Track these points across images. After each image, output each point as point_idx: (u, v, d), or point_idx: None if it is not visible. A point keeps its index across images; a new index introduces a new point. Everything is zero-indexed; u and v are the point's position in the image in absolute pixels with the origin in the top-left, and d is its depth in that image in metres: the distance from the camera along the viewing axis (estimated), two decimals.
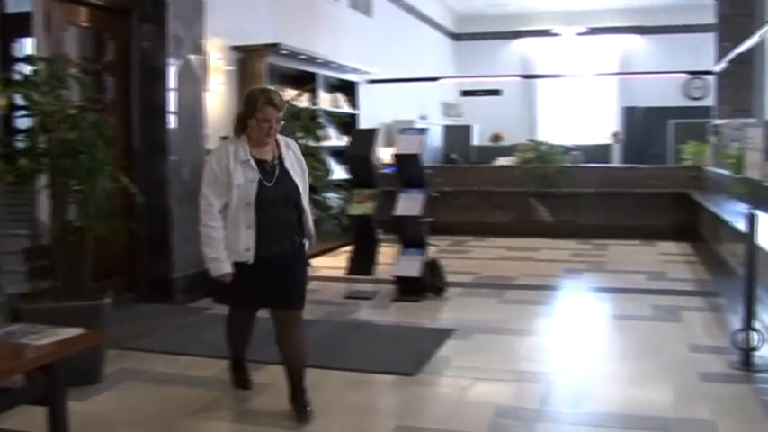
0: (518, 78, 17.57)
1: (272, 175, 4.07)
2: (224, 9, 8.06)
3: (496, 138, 17.29)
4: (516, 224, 11.70)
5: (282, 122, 4.11)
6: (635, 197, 11.32)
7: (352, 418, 4.32)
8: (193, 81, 7.32)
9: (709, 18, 12.36)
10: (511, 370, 5.08)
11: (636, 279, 8.31)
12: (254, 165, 4.03)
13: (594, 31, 17.72)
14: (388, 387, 4.89)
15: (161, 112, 7.00)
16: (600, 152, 15.10)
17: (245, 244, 4.02)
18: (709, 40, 12.40)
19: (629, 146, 16.65)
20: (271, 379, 4.71)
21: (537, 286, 7.94)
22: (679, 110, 15.90)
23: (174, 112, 7.04)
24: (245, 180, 4.00)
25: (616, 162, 15.62)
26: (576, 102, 18.11)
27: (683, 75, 16.27)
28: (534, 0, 17.06)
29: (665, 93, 16.81)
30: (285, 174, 4.11)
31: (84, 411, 4.21)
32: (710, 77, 13.38)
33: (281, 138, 4.20)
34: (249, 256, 4.03)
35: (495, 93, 16.57)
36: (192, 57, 7.28)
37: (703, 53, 13.19)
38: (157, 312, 6.69)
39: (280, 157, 4.13)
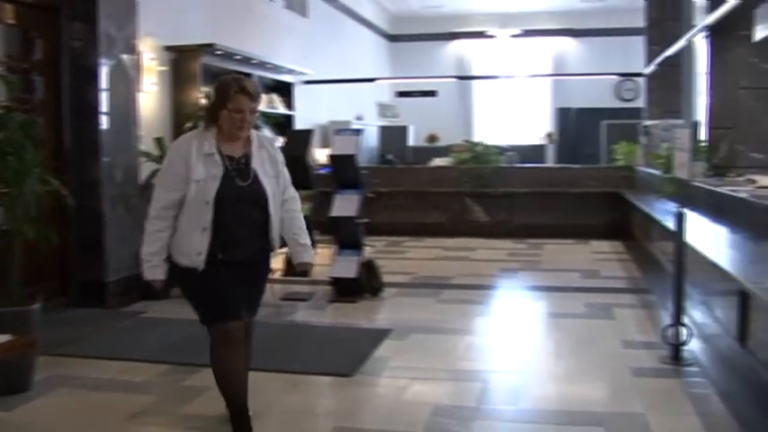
0: (454, 79, 17.70)
1: (240, 172, 3.73)
2: (157, 8, 7.93)
3: (432, 138, 17.39)
4: (452, 224, 11.78)
5: (257, 114, 3.83)
6: (569, 197, 11.49)
7: (290, 420, 4.29)
8: (126, 81, 7.20)
9: (640, 22, 12.63)
10: (448, 369, 5.10)
11: (570, 277, 8.44)
12: (220, 159, 3.69)
13: (528, 33, 17.96)
14: (325, 388, 4.88)
15: (93, 112, 6.86)
16: (534, 152, 15.33)
17: (198, 248, 3.65)
18: (639, 43, 12.68)
19: (563, 146, 16.92)
20: (206, 382, 4.65)
21: (473, 286, 8.01)
22: (611, 111, 16.23)
23: (106, 113, 6.91)
24: (206, 175, 3.64)
25: (550, 162, 15.89)
26: (511, 103, 18.33)
27: (615, 76, 16.58)
28: (469, 2, 17.22)
29: (597, 94, 17.13)
30: (253, 173, 3.76)
31: (13, 421, 4.11)
32: (641, 79, 13.67)
33: (255, 135, 3.88)
34: (200, 262, 3.66)
35: (430, 94, 16.65)
36: (125, 56, 7.16)
37: (634, 56, 13.49)
38: (90, 317, 6.56)
39: (249, 155, 3.80)
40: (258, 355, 4.59)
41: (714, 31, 7.39)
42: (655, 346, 5.43)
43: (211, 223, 3.64)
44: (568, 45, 18.17)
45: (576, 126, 17.22)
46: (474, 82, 18.30)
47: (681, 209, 5.30)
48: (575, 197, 11.47)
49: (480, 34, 18.28)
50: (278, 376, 4.93)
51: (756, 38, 6.56)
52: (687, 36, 9.09)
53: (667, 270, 6.57)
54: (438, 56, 18.60)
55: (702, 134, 8.06)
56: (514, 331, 6.31)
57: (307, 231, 4.06)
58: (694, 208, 6.20)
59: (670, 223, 5.56)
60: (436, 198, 11.86)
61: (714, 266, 4.42)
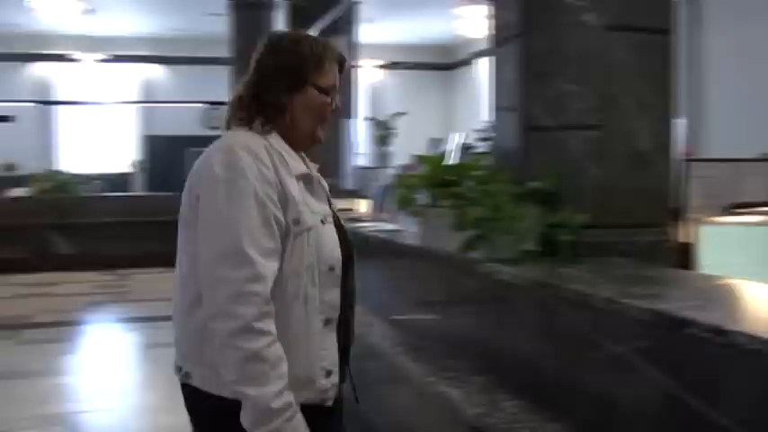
0: (33, 104, 16.72)
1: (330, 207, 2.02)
2: None
3: (10, 167, 16.22)
4: (35, 259, 11.04)
5: None
6: (157, 225, 11.33)
7: None
8: None
9: (226, 52, 13.02)
10: (30, 417, 4.77)
11: (160, 306, 8.29)
12: (320, 185, 2.00)
13: (116, 58, 17.59)
14: None
15: None
16: (122, 181, 15.20)
17: (326, 360, 1.88)
18: (225, 73, 13.04)
19: (153, 174, 16.81)
20: None
21: (57, 323, 7.62)
22: (199, 138, 16.41)
23: None
24: (312, 216, 1.87)
25: (139, 190, 15.72)
26: (97, 129, 17.78)
27: (202, 104, 16.85)
28: (49, 23, 16.34)
29: (185, 122, 17.22)
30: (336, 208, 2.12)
31: None
32: (226, 108, 14.08)
33: None
34: (329, 390, 1.90)
35: (6, 119, 15.51)
36: None
37: (221, 85, 13.81)
38: None
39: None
40: None
41: None
42: None
43: (339, 308, 1.92)
44: (157, 72, 18.09)
45: (166, 153, 17.16)
46: (57, 107, 17.45)
47: None
48: (163, 225, 11.27)
49: (63, 57, 17.47)
50: None
51: None
52: None
53: None
54: (15, 78, 17.35)
55: None
56: (104, 367, 6.10)
57: None
58: None
59: None
60: (17, 231, 11.04)
61: None
